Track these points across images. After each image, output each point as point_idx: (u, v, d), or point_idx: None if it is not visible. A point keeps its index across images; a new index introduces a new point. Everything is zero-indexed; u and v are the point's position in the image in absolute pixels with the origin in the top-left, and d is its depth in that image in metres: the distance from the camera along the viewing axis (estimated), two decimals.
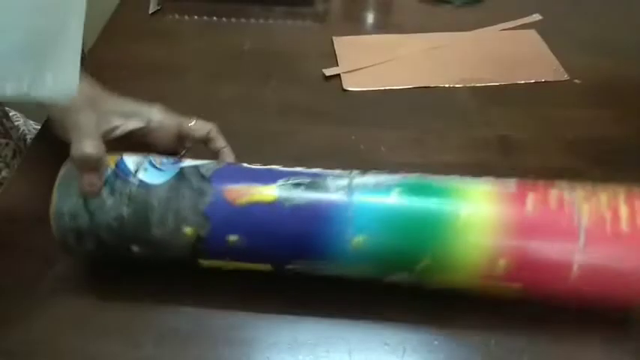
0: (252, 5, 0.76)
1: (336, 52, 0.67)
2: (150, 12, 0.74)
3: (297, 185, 0.37)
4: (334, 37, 0.70)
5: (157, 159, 0.40)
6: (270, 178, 0.37)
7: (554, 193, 0.37)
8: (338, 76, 0.63)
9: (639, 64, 0.66)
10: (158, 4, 0.75)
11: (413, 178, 0.38)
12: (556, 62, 0.65)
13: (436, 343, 0.38)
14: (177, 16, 0.74)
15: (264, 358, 0.37)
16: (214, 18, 0.74)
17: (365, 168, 0.50)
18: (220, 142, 0.45)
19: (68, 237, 0.38)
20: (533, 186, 0.38)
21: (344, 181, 0.37)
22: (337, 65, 0.65)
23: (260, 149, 0.48)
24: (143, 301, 0.40)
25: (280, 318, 0.39)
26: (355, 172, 0.38)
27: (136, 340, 0.38)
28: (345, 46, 0.69)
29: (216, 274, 0.39)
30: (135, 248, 0.38)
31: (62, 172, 0.39)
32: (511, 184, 0.38)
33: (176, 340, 0.38)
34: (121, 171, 0.38)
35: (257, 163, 0.40)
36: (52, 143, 0.42)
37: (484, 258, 0.35)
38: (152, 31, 0.72)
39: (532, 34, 0.71)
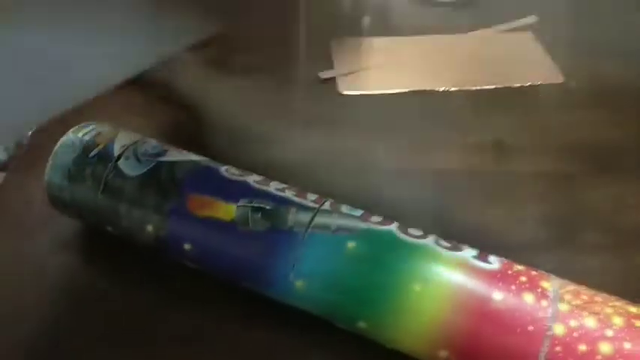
0: None
1: (332, 55, 0.67)
2: None
3: (256, 210, 0.35)
4: (331, 40, 0.70)
5: (142, 146, 0.40)
6: (237, 193, 0.36)
7: (532, 291, 0.31)
8: (334, 79, 0.63)
9: (635, 67, 0.65)
10: None
11: (383, 229, 0.34)
12: (552, 65, 0.65)
13: None
14: None
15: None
16: None
17: (360, 174, 0.51)
18: None
19: (57, 205, 0.42)
20: (517, 273, 0.32)
21: (306, 216, 0.35)
22: (333, 68, 0.65)
23: (254, 154, 0.48)
24: (144, 306, 0.40)
25: (288, 318, 0.38)
26: (328, 203, 0.36)
27: (138, 345, 0.37)
28: (342, 48, 0.69)
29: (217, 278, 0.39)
30: (110, 229, 0.40)
31: (60, 141, 0.41)
32: (495, 262, 0.33)
33: (177, 345, 0.37)
34: (106, 154, 0.39)
35: (248, 169, 0.39)
36: (51, 138, 0.42)
37: (424, 345, 0.32)
38: None
39: (527, 36, 0.71)
